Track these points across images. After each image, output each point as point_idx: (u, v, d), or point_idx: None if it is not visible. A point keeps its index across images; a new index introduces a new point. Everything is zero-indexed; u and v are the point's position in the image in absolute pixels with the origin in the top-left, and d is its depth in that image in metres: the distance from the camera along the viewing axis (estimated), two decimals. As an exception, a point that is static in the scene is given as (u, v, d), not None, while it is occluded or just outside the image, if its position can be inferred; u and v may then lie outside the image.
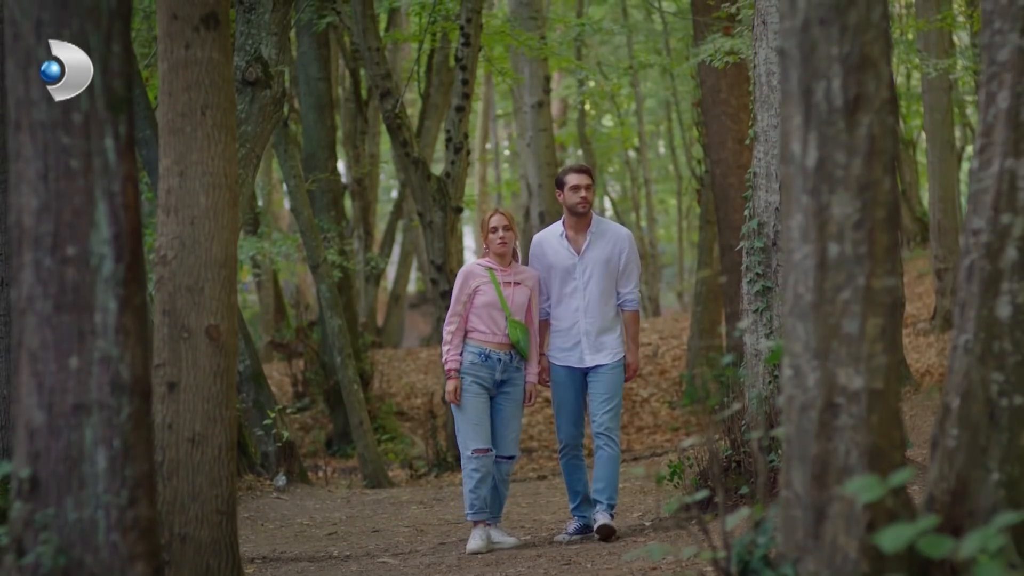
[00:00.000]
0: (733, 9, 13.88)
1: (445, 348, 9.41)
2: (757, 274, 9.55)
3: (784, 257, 4.89)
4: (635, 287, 9.55)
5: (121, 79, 5.27)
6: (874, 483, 4.44)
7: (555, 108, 32.05)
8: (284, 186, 22.17)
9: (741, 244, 9.75)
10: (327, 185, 20.07)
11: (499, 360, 9.34)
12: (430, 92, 21.52)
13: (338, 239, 20.06)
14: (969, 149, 28.01)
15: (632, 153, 35.85)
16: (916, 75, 26.20)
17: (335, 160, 20.86)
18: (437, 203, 16.07)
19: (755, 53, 9.75)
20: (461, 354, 9.35)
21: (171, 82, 6.85)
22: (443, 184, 16.21)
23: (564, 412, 9.50)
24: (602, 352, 9.42)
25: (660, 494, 10.33)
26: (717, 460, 9.16)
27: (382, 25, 22.09)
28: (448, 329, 9.41)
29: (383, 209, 35.63)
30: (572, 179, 9.47)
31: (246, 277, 26.60)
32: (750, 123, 9.92)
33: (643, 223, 34.50)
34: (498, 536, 9.46)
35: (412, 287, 36.91)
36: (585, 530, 9.54)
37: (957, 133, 25.30)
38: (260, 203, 24.03)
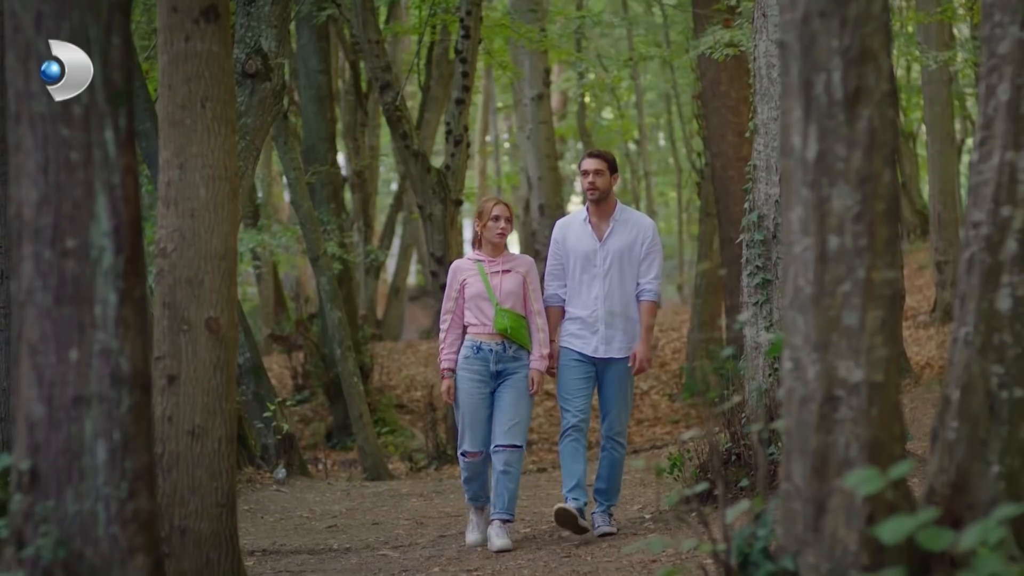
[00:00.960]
0: (733, 1, 13.90)
1: (440, 347, 9.30)
2: (757, 267, 9.55)
3: (784, 250, 4.90)
4: (655, 278, 9.29)
5: (121, 72, 5.27)
6: (874, 476, 4.44)
7: (555, 101, 32.02)
8: (284, 179, 22.15)
9: (741, 237, 9.75)
10: (327, 178, 20.05)
11: (491, 351, 9.12)
12: (430, 85, 21.52)
13: (338, 232, 20.03)
14: (969, 142, 27.99)
15: (632, 146, 35.83)
16: (916, 68, 26.17)
17: (335, 153, 20.84)
18: (437, 196, 16.06)
19: (755, 46, 9.75)
20: (457, 351, 9.19)
21: (171, 75, 6.85)
22: (443, 177, 16.20)
23: (571, 393, 9.21)
24: (617, 344, 9.20)
25: (660, 487, 10.32)
26: (717, 453, 9.16)
27: (382, 18, 22.07)
28: (442, 327, 9.33)
29: (383, 202, 35.60)
30: (583, 164, 9.34)
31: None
32: (750, 116, 9.92)
33: (643, 216, 34.41)
34: (494, 534, 9.06)
35: (412, 280, 36.88)
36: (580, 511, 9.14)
37: (957, 126, 25.30)
38: (260, 195, 24.03)
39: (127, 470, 5.19)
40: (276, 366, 22.85)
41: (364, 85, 23.05)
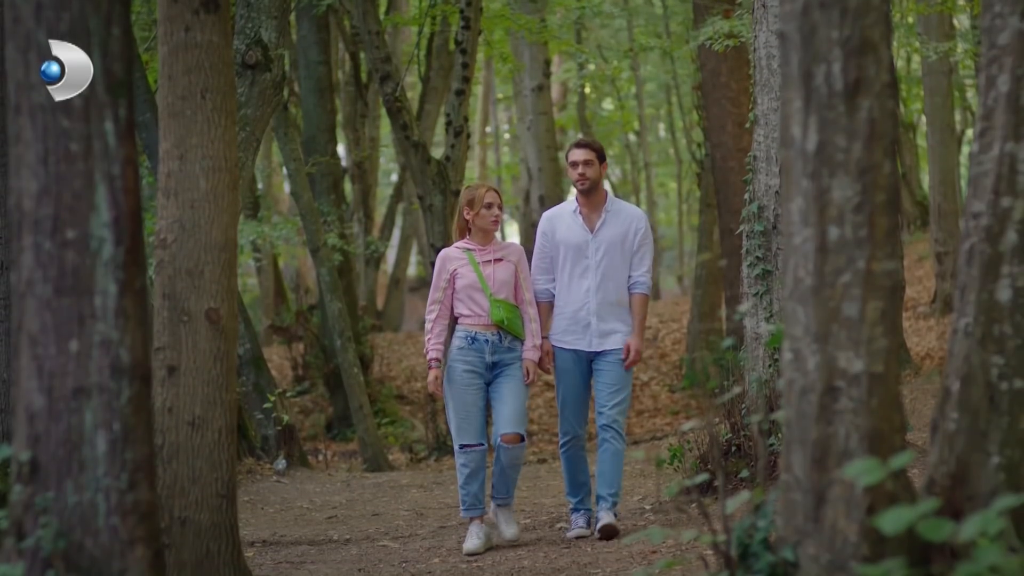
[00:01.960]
0: (733, -8, 13.87)
1: (426, 338, 8.95)
2: (757, 257, 9.54)
3: (784, 240, 4.89)
4: (647, 270, 9.05)
5: (121, 62, 5.26)
6: (874, 466, 4.44)
7: (555, 92, 32.00)
8: (284, 170, 22.13)
9: (741, 227, 9.75)
10: (327, 169, 20.05)
11: (487, 342, 8.85)
12: (430, 75, 21.50)
13: (338, 223, 20.04)
14: (969, 132, 27.98)
15: (632, 136, 35.82)
16: (916, 58, 26.18)
17: (335, 144, 20.83)
18: (437, 186, 16.06)
19: (755, 36, 9.75)
20: (444, 342, 8.88)
21: (171, 65, 6.84)
22: (443, 167, 16.20)
23: (568, 402, 9.00)
24: (611, 337, 8.94)
25: (660, 478, 10.34)
26: (717, 444, 9.16)
27: (382, 8, 22.04)
28: (428, 318, 8.97)
29: (383, 193, 35.58)
30: (571, 155, 9.04)
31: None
32: (750, 106, 9.91)
33: (643, 206, 34.45)
34: (503, 521, 8.94)
35: (412, 271, 36.87)
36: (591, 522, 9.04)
37: (957, 116, 25.29)
38: (260, 187, 24.00)
39: (127, 461, 5.19)
40: (276, 357, 22.87)
41: (364, 76, 23.04)
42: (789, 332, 4.75)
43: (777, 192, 9.36)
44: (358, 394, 16.11)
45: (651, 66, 31.71)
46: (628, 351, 8.95)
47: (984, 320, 4.83)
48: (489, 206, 8.96)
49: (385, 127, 25.80)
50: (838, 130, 4.62)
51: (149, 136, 12.76)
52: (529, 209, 24.89)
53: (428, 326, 8.95)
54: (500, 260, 8.99)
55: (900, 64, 27.98)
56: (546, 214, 9.31)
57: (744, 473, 8.74)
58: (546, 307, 9.14)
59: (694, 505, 8.37)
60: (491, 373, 8.92)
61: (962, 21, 25.24)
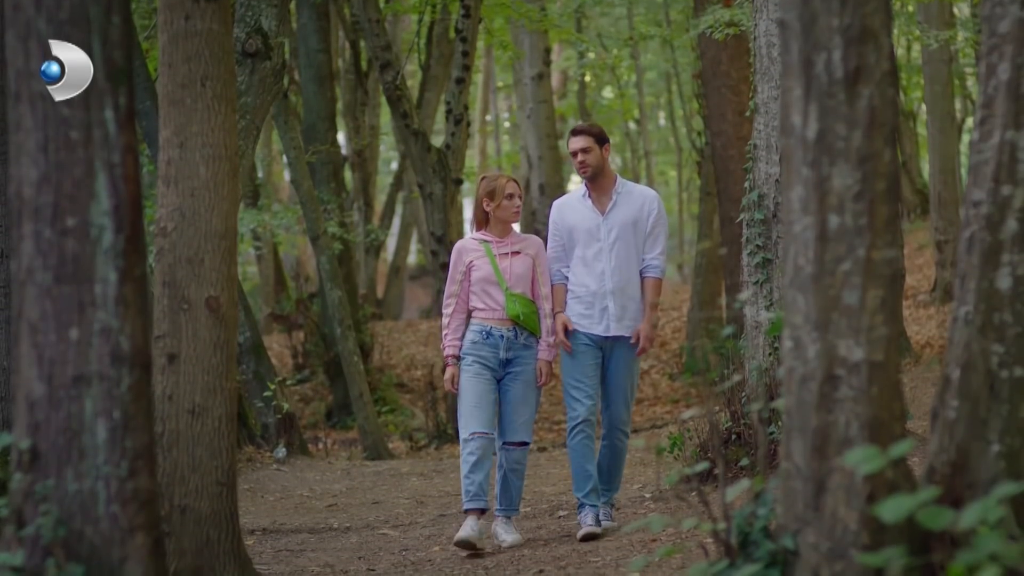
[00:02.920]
0: (734, -19, 13.85)
1: (443, 333, 8.73)
2: (757, 246, 9.54)
3: (784, 229, 4.88)
4: (661, 253, 8.75)
5: (121, 51, 5.26)
6: (874, 455, 4.44)
7: (555, 80, 31.99)
8: (284, 158, 22.14)
9: (741, 216, 9.75)
10: (327, 157, 20.04)
11: (502, 337, 8.59)
12: (430, 64, 21.48)
13: (338, 211, 20.03)
14: (969, 121, 27.97)
15: (632, 125, 35.78)
16: (916, 47, 26.15)
17: (335, 132, 20.82)
18: (437, 175, 16.07)
19: (755, 25, 9.74)
20: (462, 337, 8.66)
21: (171, 54, 6.84)
22: (443, 156, 16.20)
23: (580, 384, 8.65)
24: (626, 321, 8.65)
25: (660, 466, 10.34)
26: (717, 432, 9.15)
27: (382, -4, 22.03)
28: (445, 312, 8.75)
29: (383, 181, 35.57)
30: (570, 144, 8.79)
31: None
32: (750, 95, 9.91)
33: (644, 195, 34.37)
34: (502, 530, 8.65)
35: (412, 259, 36.90)
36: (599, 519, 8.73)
37: (957, 105, 25.26)
38: (260, 175, 24.01)
39: (127, 449, 5.19)
40: (276, 345, 22.88)
41: (364, 64, 23.02)
42: (789, 320, 4.75)
43: (777, 180, 9.35)
44: (358, 382, 16.12)
45: (651, 54, 31.68)
46: (638, 337, 8.69)
47: (984, 308, 4.83)
48: (510, 197, 8.71)
49: (385, 115, 25.79)
50: (838, 118, 4.62)
51: (149, 124, 12.75)
52: (529, 197, 24.89)
53: (445, 320, 8.74)
54: (518, 253, 8.73)
55: (900, 52, 27.95)
56: (556, 203, 9.01)
57: (744, 461, 8.72)
58: (562, 289, 8.81)
59: (694, 493, 8.37)
60: (504, 370, 8.67)
61: (962, 9, 25.23)
